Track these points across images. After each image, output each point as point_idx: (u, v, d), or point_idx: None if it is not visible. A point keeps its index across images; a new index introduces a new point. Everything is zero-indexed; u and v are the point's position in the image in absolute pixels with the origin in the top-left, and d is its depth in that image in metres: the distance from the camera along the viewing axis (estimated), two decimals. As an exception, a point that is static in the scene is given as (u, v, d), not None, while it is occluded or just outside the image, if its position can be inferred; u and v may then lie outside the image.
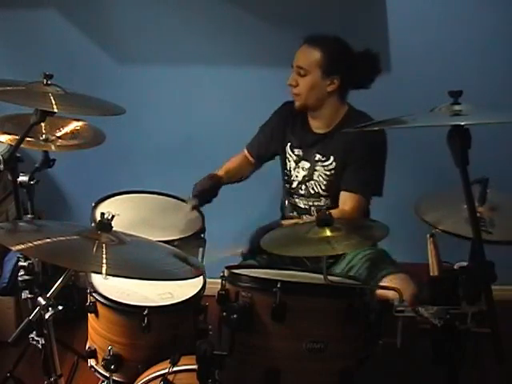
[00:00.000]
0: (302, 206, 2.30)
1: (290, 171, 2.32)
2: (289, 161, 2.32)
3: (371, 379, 1.90)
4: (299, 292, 1.61)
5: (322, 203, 2.25)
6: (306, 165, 2.27)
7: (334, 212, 1.82)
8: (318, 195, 2.25)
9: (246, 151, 2.46)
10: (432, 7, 2.76)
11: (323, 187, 2.24)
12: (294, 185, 2.31)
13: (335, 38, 2.19)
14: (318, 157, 2.23)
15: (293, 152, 2.31)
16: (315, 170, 2.24)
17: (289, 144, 2.32)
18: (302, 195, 2.29)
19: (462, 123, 1.33)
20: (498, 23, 2.74)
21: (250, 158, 2.44)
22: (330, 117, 2.22)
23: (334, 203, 2.22)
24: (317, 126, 2.26)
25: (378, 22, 2.77)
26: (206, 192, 2.28)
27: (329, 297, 1.63)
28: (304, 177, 2.27)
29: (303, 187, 2.28)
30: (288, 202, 2.36)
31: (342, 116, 2.22)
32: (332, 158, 2.21)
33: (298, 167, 2.29)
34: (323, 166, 2.22)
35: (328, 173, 2.21)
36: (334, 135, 2.21)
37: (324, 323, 1.60)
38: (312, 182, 2.25)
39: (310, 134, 2.28)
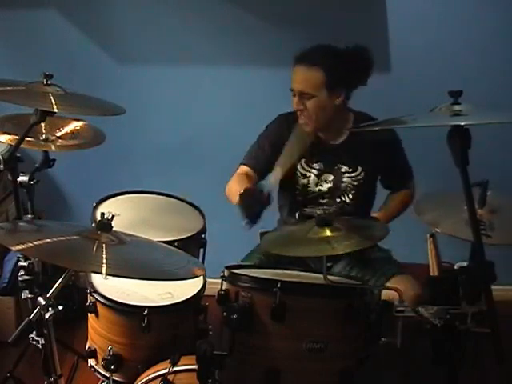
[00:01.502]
0: (319, 212, 2.20)
1: (309, 186, 2.24)
2: (305, 177, 2.24)
3: (371, 379, 1.90)
4: (299, 292, 1.61)
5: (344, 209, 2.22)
6: (330, 177, 2.22)
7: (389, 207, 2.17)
8: (343, 203, 2.22)
9: (244, 168, 2.27)
10: (432, 7, 2.76)
11: (350, 196, 2.22)
12: (313, 196, 2.25)
13: (326, 48, 2.12)
14: (344, 168, 2.20)
15: (311, 167, 2.24)
16: (342, 182, 2.21)
17: (303, 160, 2.24)
18: (322, 204, 2.25)
19: (462, 123, 1.33)
20: (498, 23, 2.74)
21: (252, 174, 2.25)
22: (341, 126, 2.19)
23: (356, 209, 2.22)
24: (329, 137, 2.22)
25: (378, 22, 2.77)
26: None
27: (329, 297, 1.63)
28: (330, 189, 2.22)
29: (327, 196, 2.24)
30: (300, 213, 2.25)
31: (352, 122, 2.20)
32: (360, 168, 2.18)
33: (321, 181, 2.23)
34: (351, 177, 2.20)
35: (356, 183, 2.20)
36: (353, 143, 2.18)
37: (324, 323, 1.60)
38: (338, 192, 2.22)
39: (325, 146, 2.23)
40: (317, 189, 2.24)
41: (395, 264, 2.20)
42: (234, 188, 2.13)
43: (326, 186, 2.23)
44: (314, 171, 2.24)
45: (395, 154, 2.26)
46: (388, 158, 2.21)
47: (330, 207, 2.24)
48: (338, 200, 2.23)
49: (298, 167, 2.26)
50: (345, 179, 2.21)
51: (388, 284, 2.02)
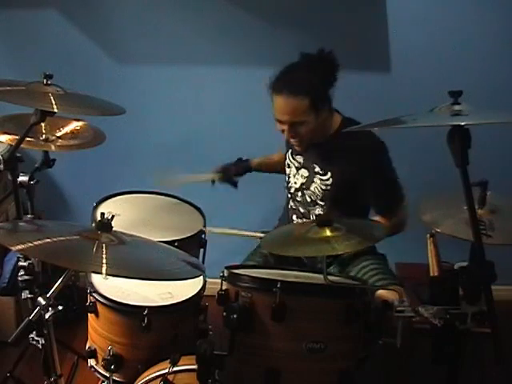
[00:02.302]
0: (302, 210, 2.26)
1: (290, 177, 2.29)
2: (289, 167, 2.29)
3: (371, 379, 1.90)
4: (299, 292, 1.60)
5: (316, 211, 2.20)
6: (305, 173, 2.22)
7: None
8: (314, 203, 2.21)
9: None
10: (432, 7, 2.76)
11: (319, 197, 2.19)
12: (292, 190, 2.28)
13: (301, 69, 2.06)
14: (316, 168, 2.18)
15: (294, 158, 2.27)
16: (313, 182, 2.19)
17: (290, 150, 2.29)
18: (299, 201, 2.26)
19: (462, 123, 1.33)
20: (498, 23, 2.74)
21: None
22: (325, 128, 2.16)
23: (331, 211, 2.16)
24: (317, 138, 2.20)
25: (378, 22, 2.77)
26: (230, 169, 2.38)
27: (329, 297, 1.62)
28: (302, 184, 2.23)
29: (299, 194, 2.25)
30: (290, 206, 2.33)
31: (338, 126, 2.15)
32: (329, 174, 2.15)
33: (298, 174, 2.25)
34: (320, 180, 2.17)
35: (324, 187, 2.17)
36: (332, 146, 2.15)
37: (324, 323, 1.60)
38: (309, 192, 2.21)
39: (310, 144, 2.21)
40: (293, 181, 2.27)
41: (385, 275, 2.12)
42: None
43: (299, 181, 2.25)
44: (295, 163, 2.27)
45: (375, 168, 2.10)
46: (364, 172, 2.09)
47: (305, 205, 2.25)
48: (309, 200, 2.21)
49: (287, 157, 2.31)
50: (315, 179, 2.19)
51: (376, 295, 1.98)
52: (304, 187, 2.23)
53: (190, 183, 2.36)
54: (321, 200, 2.19)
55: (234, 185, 2.46)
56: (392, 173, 2.14)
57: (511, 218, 1.63)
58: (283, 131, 2.11)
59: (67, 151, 2.06)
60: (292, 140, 2.14)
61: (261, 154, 2.51)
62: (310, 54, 2.07)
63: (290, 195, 2.31)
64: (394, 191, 2.16)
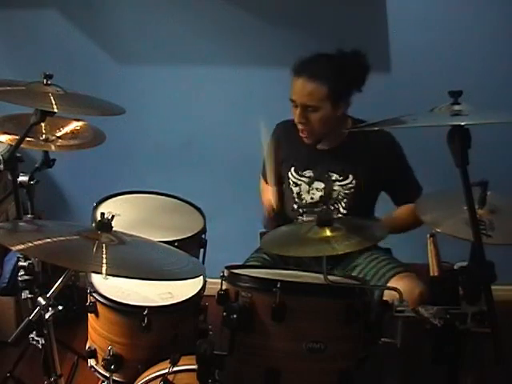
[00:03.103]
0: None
1: (301, 194, 2.23)
2: (296, 185, 2.24)
3: (371, 379, 1.90)
4: (299, 292, 1.60)
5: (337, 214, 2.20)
6: (321, 185, 2.19)
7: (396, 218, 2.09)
8: (337, 211, 2.19)
9: (262, 180, 2.39)
10: (432, 7, 2.76)
11: (343, 205, 2.18)
12: (307, 204, 2.23)
13: (327, 58, 2.08)
14: (334, 176, 2.17)
15: (302, 175, 2.23)
16: (333, 190, 2.17)
17: (292, 168, 2.24)
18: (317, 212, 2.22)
19: (462, 123, 1.33)
20: (499, 23, 2.74)
21: (270, 186, 2.29)
22: (337, 133, 2.15)
23: (352, 211, 2.18)
24: (325, 145, 2.19)
25: (378, 22, 2.77)
26: None
27: (329, 297, 1.62)
28: (321, 197, 2.20)
29: (320, 205, 2.21)
30: (297, 221, 2.27)
31: (348, 128, 2.16)
32: (351, 176, 2.15)
33: (312, 189, 2.21)
34: (341, 186, 2.16)
35: (347, 191, 2.16)
36: (344, 151, 2.15)
37: (324, 323, 1.60)
38: (331, 201, 2.19)
39: (314, 153, 2.20)
40: (309, 197, 2.22)
41: (396, 263, 2.18)
42: (266, 198, 2.30)
43: (317, 195, 2.21)
44: (304, 179, 2.23)
45: (393, 163, 2.17)
46: (384, 167, 2.13)
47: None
48: (332, 208, 2.20)
49: (290, 176, 2.25)
50: (336, 187, 2.18)
51: (390, 284, 2.02)
52: (325, 198, 2.20)
53: None
54: (344, 208, 2.19)
55: None
56: (408, 165, 2.21)
57: (511, 218, 1.63)
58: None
59: (67, 151, 2.06)
60: (300, 126, 2.11)
61: (261, 154, 2.49)
62: (343, 50, 2.07)
63: (302, 210, 2.24)
64: (413, 178, 2.22)
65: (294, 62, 2.08)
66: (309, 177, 2.22)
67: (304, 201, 2.24)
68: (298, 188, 2.24)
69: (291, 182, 2.25)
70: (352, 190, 2.16)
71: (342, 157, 2.17)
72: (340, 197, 2.18)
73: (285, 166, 2.28)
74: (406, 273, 2.08)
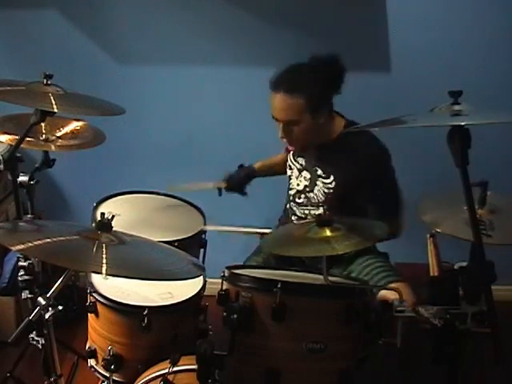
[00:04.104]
0: (298, 213, 2.26)
1: (292, 179, 2.28)
2: (291, 168, 2.29)
3: (371, 379, 1.90)
4: (299, 292, 1.60)
5: (318, 212, 2.20)
6: (308, 175, 2.22)
7: None
8: (317, 204, 2.21)
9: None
10: (432, 7, 2.76)
11: (322, 200, 2.19)
12: (293, 192, 2.28)
13: (300, 70, 2.06)
14: (319, 171, 2.18)
15: (296, 160, 2.27)
16: (316, 184, 2.19)
17: (291, 152, 2.29)
18: (300, 203, 2.25)
19: (462, 123, 1.33)
20: (498, 23, 2.74)
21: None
22: (328, 133, 2.15)
23: (332, 212, 2.15)
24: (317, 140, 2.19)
25: (378, 22, 2.77)
26: (234, 176, 2.37)
27: (329, 297, 1.62)
28: (305, 187, 2.23)
29: (302, 196, 2.24)
30: (289, 207, 2.33)
31: (341, 130, 2.14)
32: (332, 177, 2.15)
33: (301, 176, 2.24)
34: (323, 183, 2.17)
35: (327, 190, 2.17)
36: (333, 149, 2.15)
37: (324, 323, 1.60)
38: (311, 194, 2.21)
39: (311, 146, 2.20)
40: (295, 183, 2.26)
41: (390, 271, 2.15)
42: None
43: (302, 184, 2.24)
44: (297, 165, 2.27)
45: (375, 174, 2.10)
46: (364, 177, 2.09)
47: (306, 207, 2.24)
48: (313, 201, 2.21)
49: (289, 156, 2.30)
50: (318, 183, 2.19)
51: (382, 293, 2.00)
52: (308, 189, 2.22)
53: (196, 190, 2.35)
54: (323, 203, 2.19)
55: (243, 193, 2.44)
56: (392, 180, 2.14)
57: (511, 218, 1.63)
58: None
59: (67, 151, 2.07)
60: (284, 140, 2.13)
61: (261, 154, 2.51)
62: (317, 55, 2.05)
63: (290, 197, 2.30)
64: (394, 196, 2.14)
65: (271, 78, 2.07)
66: (301, 164, 2.26)
67: (292, 185, 2.28)
68: (290, 171, 2.30)
69: (287, 165, 2.31)
70: (331, 190, 2.16)
71: (328, 156, 2.17)
72: (319, 193, 2.19)
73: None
74: (397, 283, 2.03)
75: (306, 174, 2.23)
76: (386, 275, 2.10)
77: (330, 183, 2.16)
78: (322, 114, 2.07)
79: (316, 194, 2.20)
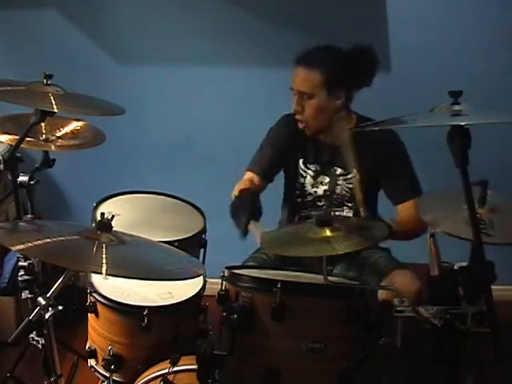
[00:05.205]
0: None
1: (305, 187, 2.25)
2: (303, 177, 2.25)
3: (371, 379, 1.90)
4: (299, 292, 1.60)
5: (344, 213, 2.21)
6: (326, 179, 2.21)
7: (400, 222, 2.01)
8: (341, 205, 2.21)
9: (249, 174, 2.26)
10: (432, 7, 2.76)
11: (347, 199, 2.19)
12: (310, 198, 2.25)
13: (326, 49, 2.11)
14: (339, 171, 2.18)
15: (308, 168, 2.24)
16: (337, 184, 2.19)
17: (301, 160, 2.25)
18: (321, 207, 2.23)
19: (462, 123, 1.33)
20: (498, 23, 2.74)
21: (256, 179, 2.23)
22: (342, 128, 2.13)
23: (357, 211, 2.14)
24: (328, 139, 2.19)
25: (378, 22, 2.77)
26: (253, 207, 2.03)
27: (329, 297, 1.62)
28: (325, 191, 2.22)
29: (323, 200, 2.23)
30: (299, 216, 2.28)
31: (354, 125, 2.16)
32: (354, 171, 2.13)
33: (317, 182, 2.23)
34: (345, 180, 2.18)
35: (351, 186, 2.16)
36: (352, 144, 2.08)
37: (324, 323, 1.60)
38: (335, 196, 2.20)
39: (324, 148, 2.21)
40: (313, 190, 2.24)
41: (393, 261, 2.19)
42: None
43: (321, 189, 2.23)
44: (310, 172, 2.24)
45: (395, 159, 2.16)
46: (387, 163, 2.14)
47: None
48: (336, 203, 2.21)
49: (298, 167, 2.26)
50: (339, 182, 2.19)
51: (387, 279, 2.02)
52: (328, 193, 2.21)
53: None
54: (348, 201, 2.20)
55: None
56: (411, 162, 2.19)
57: (511, 218, 1.63)
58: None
59: (67, 151, 2.07)
60: (297, 116, 2.13)
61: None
62: (355, 43, 2.07)
63: (305, 204, 2.25)
64: (414, 177, 2.18)
65: (297, 53, 2.12)
66: (315, 170, 2.24)
67: (307, 193, 2.25)
68: (303, 179, 2.26)
69: (298, 173, 2.26)
70: (356, 184, 2.14)
71: (347, 151, 2.14)
72: (344, 192, 2.19)
73: (290, 158, 2.27)
74: (401, 269, 2.08)
75: (323, 178, 2.22)
76: (389, 263, 2.14)
77: (354, 177, 2.14)
78: (337, 95, 2.09)
79: (339, 194, 2.20)
